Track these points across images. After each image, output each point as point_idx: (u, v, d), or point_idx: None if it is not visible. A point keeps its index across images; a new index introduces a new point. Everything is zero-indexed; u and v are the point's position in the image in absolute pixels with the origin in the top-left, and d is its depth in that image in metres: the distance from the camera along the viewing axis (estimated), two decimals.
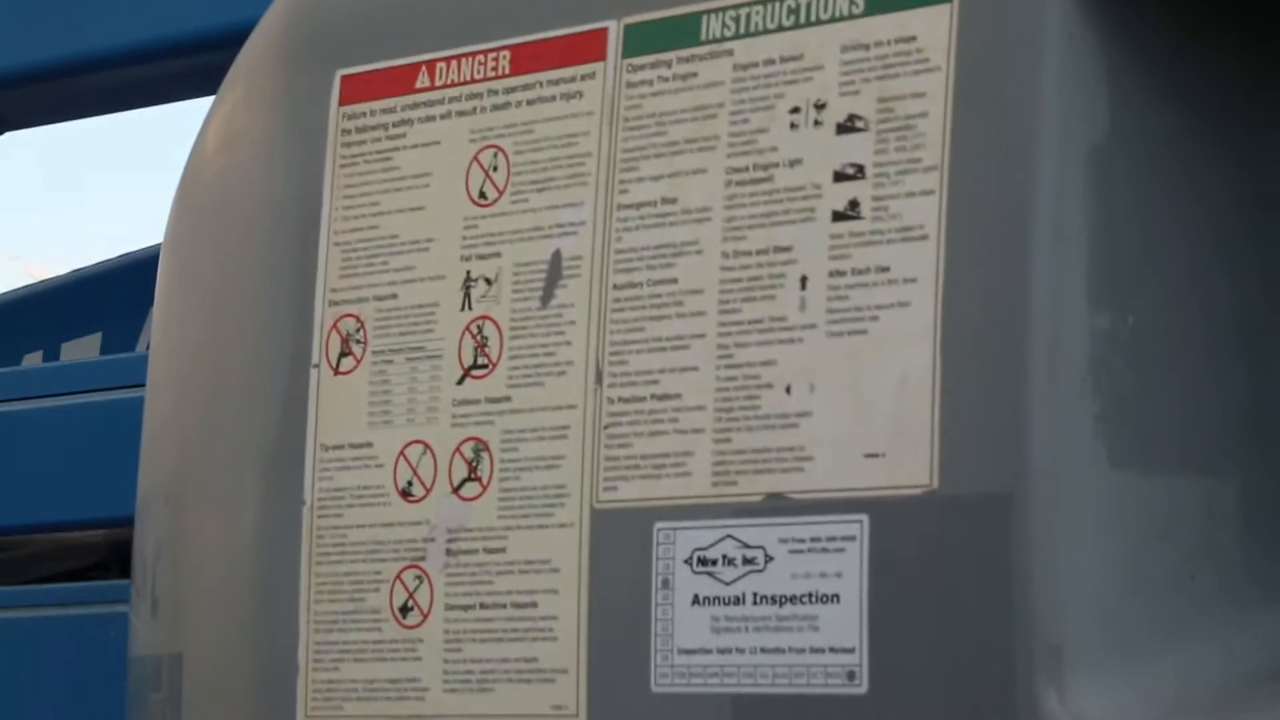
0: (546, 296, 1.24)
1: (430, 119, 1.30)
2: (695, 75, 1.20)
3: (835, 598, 1.12)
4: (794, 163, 1.16)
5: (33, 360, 2.42)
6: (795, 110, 1.17)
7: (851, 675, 1.11)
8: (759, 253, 1.17)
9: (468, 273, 1.27)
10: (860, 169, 1.14)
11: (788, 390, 1.15)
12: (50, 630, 1.89)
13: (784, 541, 1.14)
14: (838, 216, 1.15)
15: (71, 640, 1.88)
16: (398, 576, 1.27)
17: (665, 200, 1.20)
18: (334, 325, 1.31)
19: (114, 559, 1.81)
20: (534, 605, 1.22)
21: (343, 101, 1.34)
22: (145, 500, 1.41)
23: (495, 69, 1.28)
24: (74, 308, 2.44)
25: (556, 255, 1.24)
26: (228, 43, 1.48)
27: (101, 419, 1.87)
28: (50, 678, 1.88)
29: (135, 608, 1.42)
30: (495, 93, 1.28)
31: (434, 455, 1.26)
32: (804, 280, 1.15)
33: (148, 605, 1.40)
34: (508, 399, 1.24)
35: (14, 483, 1.94)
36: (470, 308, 1.27)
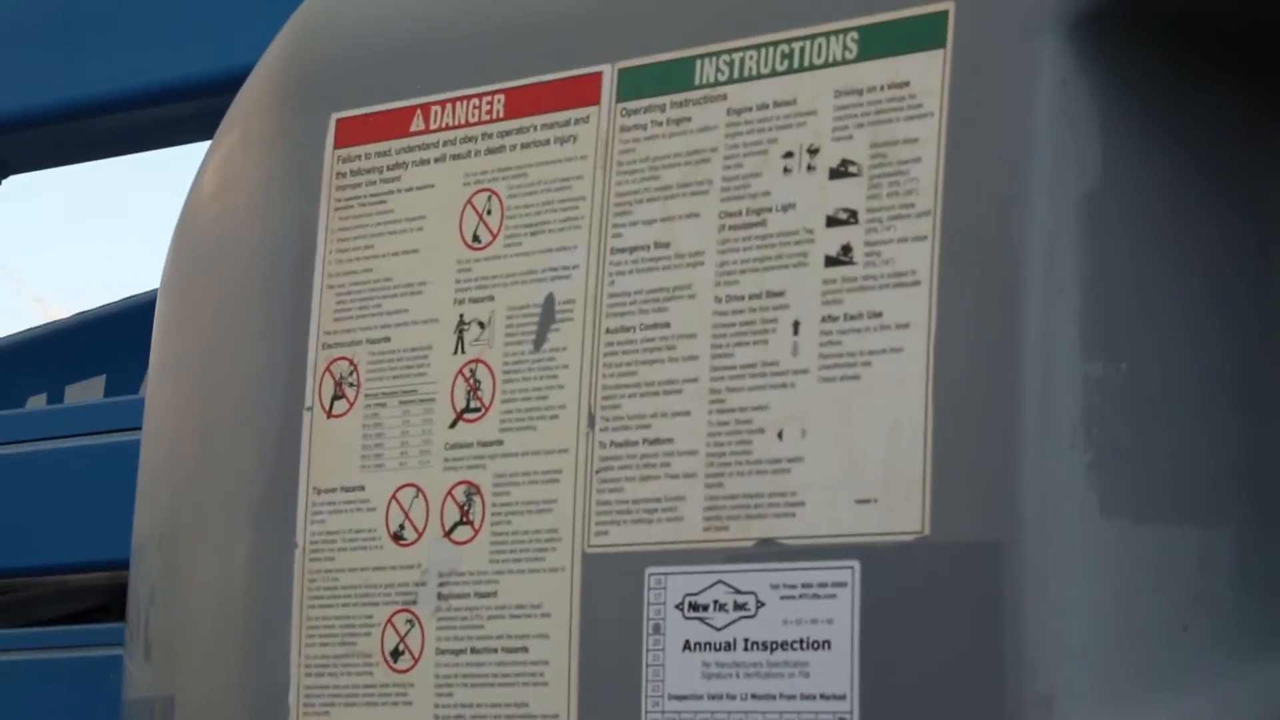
0: (539, 340, 1.24)
1: (425, 162, 1.31)
2: (689, 120, 1.20)
3: (826, 644, 1.12)
4: (787, 207, 1.16)
5: (37, 403, 2.42)
6: (788, 155, 1.17)
7: (840, 718, 1.11)
8: (751, 297, 1.17)
9: (461, 316, 1.27)
10: (853, 214, 1.14)
11: (780, 435, 1.15)
12: (52, 673, 1.88)
13: (775, 587, 1.14)
14: (830, 261, 1.14)
15: (73, 683, 1.87)
16: (389, 620, 1.26)
17: (658, 244, 1.20)
18: (327, 368, 1.31)
19: (115, 602, 1.80)
20: (525, 650, 1.21)
21: (338, 145, 1.34)
22: (140, 543, 1.41)
23: (490, 112, 1.28)
24: (78, 350, 2.44)
25: (549, 299, 1.24)
26: (228, 88, 1.49)
27: (104, 461, 1.86)
28: None
29: (129, 650, 1.42)
30: (489, 136, 1.28)
31: (426, 499, 1.26)
32: (796, 325, 1.15)
33: (140, 648, 1.40)
34: (500, 443, 1.24)
35: (15, 525, 1.93)
36: (463, 351, 1.27)
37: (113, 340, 2.32)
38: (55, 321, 2.56)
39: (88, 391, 2.32)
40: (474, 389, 1.25)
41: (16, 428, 1.99)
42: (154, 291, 1.59)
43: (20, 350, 2.51)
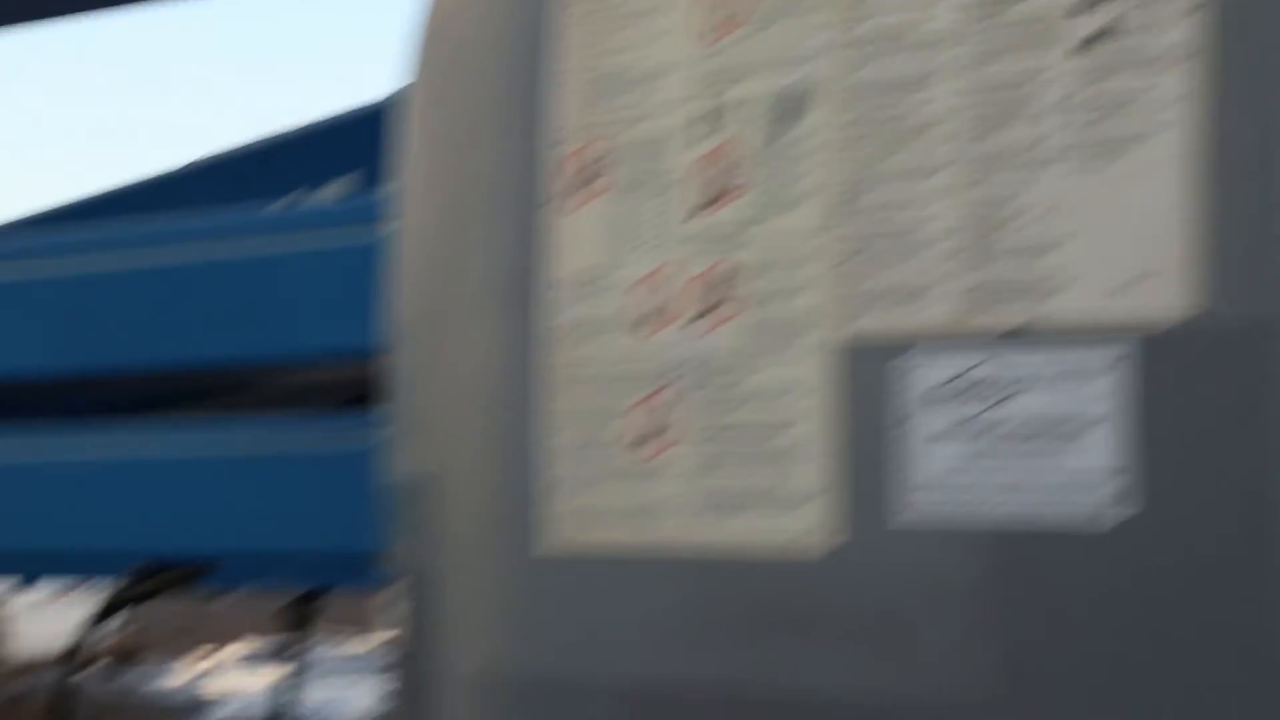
0: (784, 128, 1.22)
1: None
2: None
3: (1087, 429, 1.10)
4: None
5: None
6: None
7: (1102, 508, 1.09)
8: (1007, 80, 1.13)
9: (704, 104, 1.25)
10: None
11: (1039, 219, 1.12)
12: (303, 462, 1.93)
13: (1034, 372, 1.12)
14: (1090, 39, 1.11)
15: (323, 472, 1.92)
16: (636, 407, 1.27)
17: (905, 29, 1.17)
18: (569, 159, 1.31)
19: (364, 392, 1.84)
20: (774, 437, 1.21)
21: None
22: (399, 328, 1.43)
23: None
24: (336, 147, 2.47)
25: (794, 86, 1.21)
26: None
27: (357, 254, 1.88)
28: (304, 508, 1.92)
29: (390, 432, 1.45)
30: None
31: (672, 287, 1.26)
32: (1054, 106, 1.12)
33: (401, 430, 1.43)
34: (746, 231, 1.23)
35: (265, 318, 1.97)
36: (707, 139, 1.25)
37: (369, 137, 2.34)
38: (312, 121, 2.58)
39: (342, 189, 2.34)
40: (719, 177, 1.24)
41: (270, 223, 2.03)
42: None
43: (278, 149, 2.55)
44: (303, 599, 2.27)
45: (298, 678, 2.35)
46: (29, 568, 2.31)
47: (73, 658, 2.11)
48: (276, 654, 2.33)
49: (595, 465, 1.28)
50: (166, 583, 2.03)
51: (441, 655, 1.36)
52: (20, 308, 2.12)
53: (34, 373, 2.14)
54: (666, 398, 1.25)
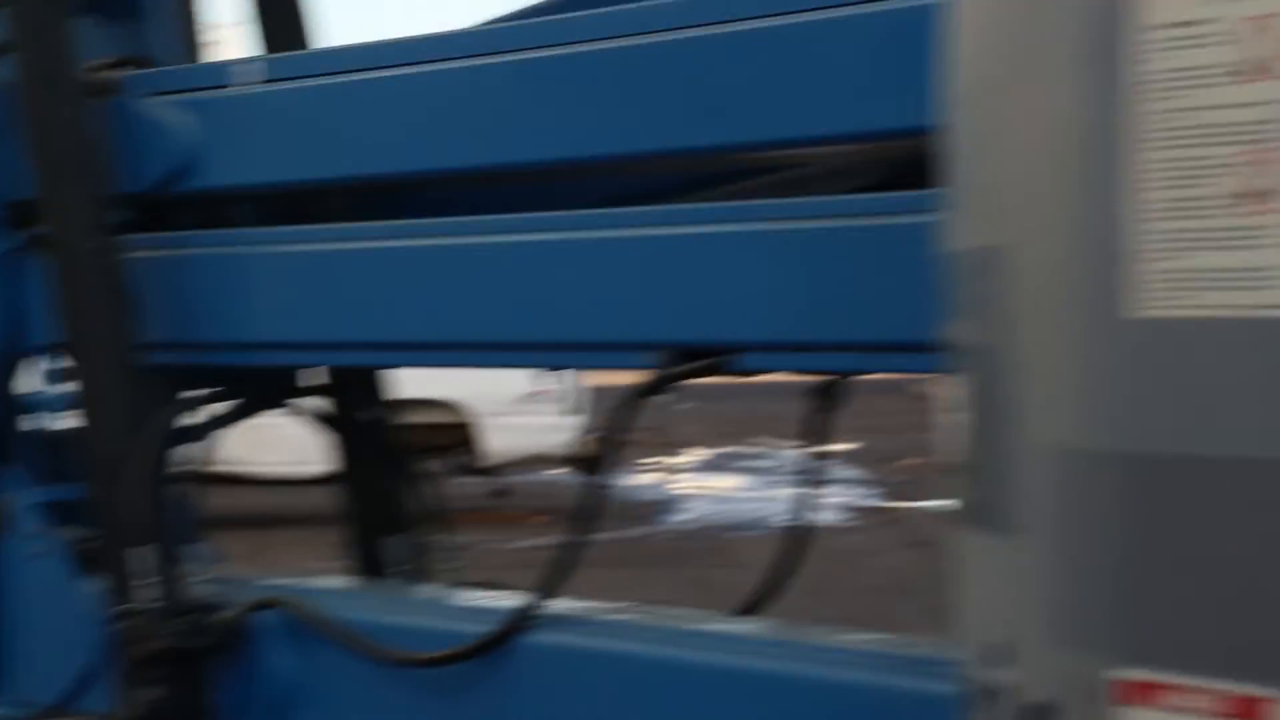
0: None
1: None
2: None
3: None
4: None
5: None
6: None
7: None
8: None
9: None
10: None
11: None
12: (850, 241, 1.89)
13: None
14: None
15: (866, 250, 1.88)
16: (1239, 161, 1.18)
17: None
18: None
19: (910, 170, 1.78)
20: None
21: None
22: (961, 94, 1.37)
23: None
24: None
25: None
26: None
27: (905, 25, 1.82)
28: (848, 292, 1.88)
29: (951, 205, 1.40)
30: None
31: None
32: None
33: (964, 201, 1.38)
34: None
35: (804, 95, 1.93)
36: None
37: None
38: None
39: None
40: None
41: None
42: None
43: None
44: (825, 391, 2.24)
45: (815, 475, 2.34)
46: (557, 358, 2.35)
47: (600, 452, 2.13)
48: (798, 447, 2.31)
49: (1192, 224, 1.20)
50: (700, 371, 2.02)
51: (1015, 431, 1.31)
52: (541, 94, 2.12)
53: (568, 158, 2.15)
54: (1275, 151, 1.17)
